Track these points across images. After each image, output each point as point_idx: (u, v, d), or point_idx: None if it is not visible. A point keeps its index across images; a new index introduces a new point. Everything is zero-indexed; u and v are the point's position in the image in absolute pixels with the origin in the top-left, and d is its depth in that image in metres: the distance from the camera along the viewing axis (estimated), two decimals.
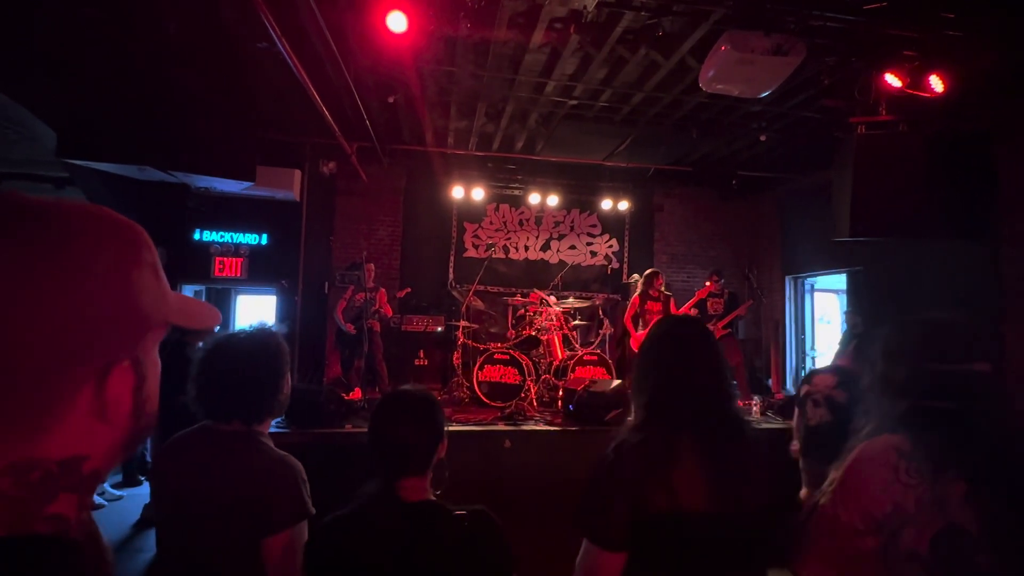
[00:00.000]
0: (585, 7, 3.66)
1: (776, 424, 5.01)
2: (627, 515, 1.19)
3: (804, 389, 2.43)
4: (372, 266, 6.24)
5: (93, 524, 0.53)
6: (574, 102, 5.47)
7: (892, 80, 3.91)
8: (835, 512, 1.13)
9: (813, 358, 7.88)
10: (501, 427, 4.55)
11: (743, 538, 1.21)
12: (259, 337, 1.44)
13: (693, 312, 6.42)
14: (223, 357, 1.40)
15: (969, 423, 1.09)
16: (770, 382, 7.27)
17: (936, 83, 3.91)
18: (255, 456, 1.37)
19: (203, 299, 7.58)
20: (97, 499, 4.98)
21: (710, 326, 6.30)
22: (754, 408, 5.33)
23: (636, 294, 6.30)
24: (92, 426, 0.50)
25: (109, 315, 0.50)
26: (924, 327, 1.21)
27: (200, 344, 1.49)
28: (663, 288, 6.33)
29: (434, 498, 1.32)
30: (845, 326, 6.45)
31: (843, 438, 1.22)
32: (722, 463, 1.23)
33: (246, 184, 3.72)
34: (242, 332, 1.45)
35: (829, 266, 7.19)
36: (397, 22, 3.09)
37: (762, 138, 5.88)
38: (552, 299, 6.36)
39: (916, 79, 3.91)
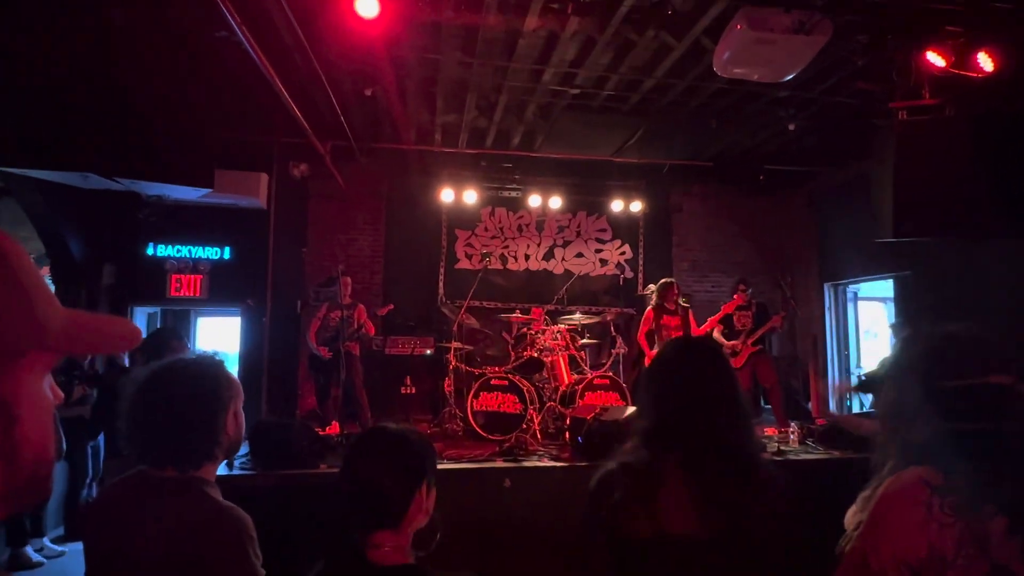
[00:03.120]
0: None
1: (817, 454, 4.97)
2: (607, 542, 1.30)
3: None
4: (349, 279, 6.26)
5: None
6: (576, 91, 5.52)
7: (934, 59, 3.93)
8: (864, 561, 1.12)
9: (859, 377, 7.83)
10: (500, 464, 4.51)
11: (739, 571, 1.25)
12: (196, 369, 1.43)
13: (718, 328, 6.43)
14: (152, 391, 1.38)
15: (1003, 446, 1.08)
16: (809, 405, 7.23)
17: (985, 61, 3.94)
18: (193, 508, 1.35)
19: (158, 323, 7.62)
20: (35, 556, 4.94)
21: (738, 343, 6.31)
22: (791, 436, 5.29)
23: (650, 307, 6.31)
24: None
25: None
26: (932, 342, 1.21)
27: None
28: (680, 300, 6.32)
29: (414, 561, 1.28)
30: (894, 339, 6.43)
31: None
32: (717, 496, 1.26)
33: (204, 191, 3.74)
34: (179, 362, 1.44)
35: (873, 271, 7.18)
36: (367, 7, 3.13)
37: (790, 127, 5.91)
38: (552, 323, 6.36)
39: (962, 57, 3.94)
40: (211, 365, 1.46)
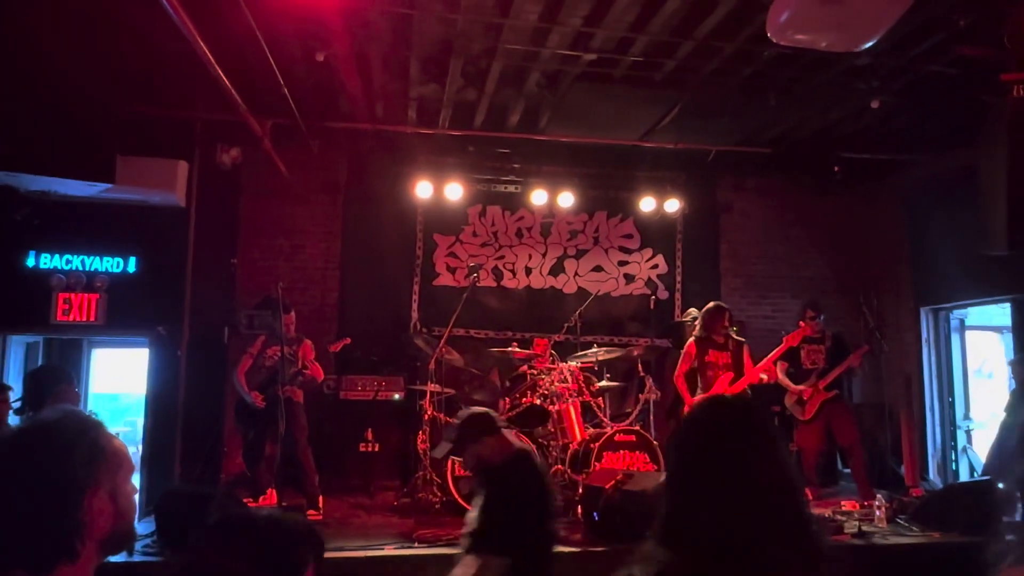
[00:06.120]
0: None
1: (912, 537, 4.95)
2: None
3: None
4: (292, 315, 6.22)
5: None
6: (592, 56, 5.58)
7: None
8: None
9: (968, 431, 7.81)
10: None
11: None
12: (40, 436, 1.40)
13: (780, 367, 6.42)
14: None
15: None
16: (902, 470, 7.21)
17: None
18: None
19: (39, 358, 7.59)
20: None
21: (807, 387, 6.30)
22: (877, 512, 5.29)
23: (691, 339, 6.31)
24: None
25: None
26: None
27: None
28: (732, 330, 6.32)
29: None
30: (1013, 383, 6.44)
31: None
32: None
33: (103, 185, 3.79)
34: (28, 427, 1.43)
35: (986, 291, 7.19)
36: None
37: (873, 104, 5.97)
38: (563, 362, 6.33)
39: None
40: (65, 430, 1.44)
